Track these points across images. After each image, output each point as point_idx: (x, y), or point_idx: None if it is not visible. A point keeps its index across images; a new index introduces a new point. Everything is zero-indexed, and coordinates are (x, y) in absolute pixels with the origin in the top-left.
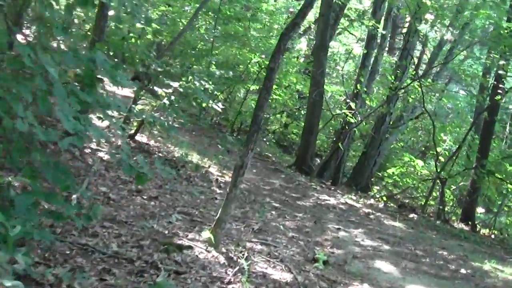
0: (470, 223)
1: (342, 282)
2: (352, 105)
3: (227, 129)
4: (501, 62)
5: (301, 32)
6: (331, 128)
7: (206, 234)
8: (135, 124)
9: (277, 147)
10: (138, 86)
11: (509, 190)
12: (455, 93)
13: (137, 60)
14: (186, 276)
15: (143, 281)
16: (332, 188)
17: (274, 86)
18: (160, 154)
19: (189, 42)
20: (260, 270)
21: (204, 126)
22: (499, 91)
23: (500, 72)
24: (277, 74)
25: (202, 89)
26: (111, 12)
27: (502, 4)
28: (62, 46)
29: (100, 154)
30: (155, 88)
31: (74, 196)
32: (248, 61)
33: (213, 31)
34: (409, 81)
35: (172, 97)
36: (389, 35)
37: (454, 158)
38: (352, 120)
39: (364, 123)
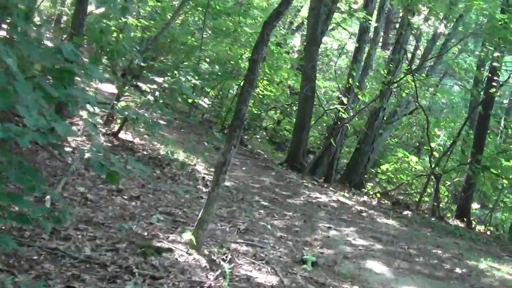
0: (465, 219)
1: (331, 285)
2: (344, 100)
3: (218, 126)
4: (496, 54)
5: (294, 28)
6: (324, 124)
7: (187, 235)
8: (119, 121)
9: (269, 144)
10: (119, 80)
11: (505, 185)
12: (450, 88)
13: (117, 55)
14: (163, 281)
15: None
16: (325, 186)
17: (266, 82)
18: (145, 152)
19: (179, 37)
20: (244, 273)
21: (193, 123)
22: (493, 83)
23: (495, 64)
24: (269, 70)
25: (189, 84)
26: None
27: None
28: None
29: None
30: (140, 84)
31: (47, 197)
32: (239, 57)
33: (201, 26)
34: (402, 75)
35: (157, 93)
36: (383, 29)
37: (449, 153)
38: (344, 116)
39: (357, 119)
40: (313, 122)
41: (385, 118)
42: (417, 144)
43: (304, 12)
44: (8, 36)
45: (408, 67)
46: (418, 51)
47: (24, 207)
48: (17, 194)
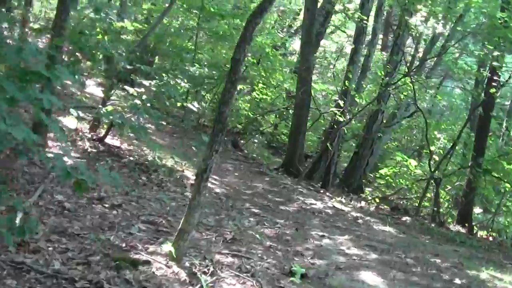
0: (466, 225)
1: None
2: (341, 103)
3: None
4: (495, 54)
5: (293, 31)
6: (323, 128)
7: (167, 247)
8: (106, 126)
9: (267, 149)
10: (108, 84)
11: (507, 189)
12: (450, 90)
13: (99, 57)
14: None
15: None
16: (321, 191)
17: (261, 85)
18: (131, 158)
19: (173, 40)
20: (226, 287)
21: (186, 128)
22: (493, 84)
23: (495, 64)
24: (264, 73)
25: (180, 88)
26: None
27: None
28: None
29: (65, 158)
30: (126, 87)
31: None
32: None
33: (188, 27)
34: (400, 77)
35: (144, 97)
36: (381, 31)
37: (449, 156)
38: (341, 119)
39: (355, 122)
40: (309, 125)
41: (384, 121)
42: (417, 147)
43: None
44: None
45: (406, 68)
46: (418, 54)
47: None
48: None
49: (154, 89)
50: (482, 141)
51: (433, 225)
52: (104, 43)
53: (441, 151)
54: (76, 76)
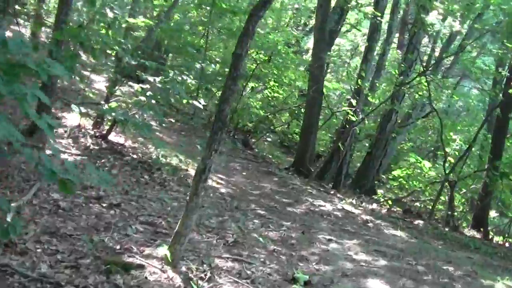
0: (482, 230)
1: None
2: (353, 102)
3: None
4: None
5: (308, 30)
6: (336, 127)
7: (163, 250)
8: (109, 123)
9: (279, 148)
10: (113, 79)
11: None
12: (468, 91)
13: (98, 51)
14: None
15: None
16: (332, 192)
17: (273, 83)
18: (135, 156)
19: (184, 37)
20: None
21: (196, 126)
22: None
23: None
24: (277, 71)
25: (188, 85)
26: None
27: None
28: None
29: (64, 156)
30: (131, 83)
31: (12, 204)
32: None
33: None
34: (415, 76)
35: (148, 93)
36: (396, 30)
37: (465, 158)
38: (353, 118)
39: (368, 121)
40: (321, 124)
41: (399, 121)
42: (432, 148)
43: None
44: None
45: (422, 67)
46: (435, 53)
47: None
48: None
49: (159, 85)
50: (500, 143)
51: (446, 229)
52: (105, 37)
53: (456, 152)
54: (76, 72)
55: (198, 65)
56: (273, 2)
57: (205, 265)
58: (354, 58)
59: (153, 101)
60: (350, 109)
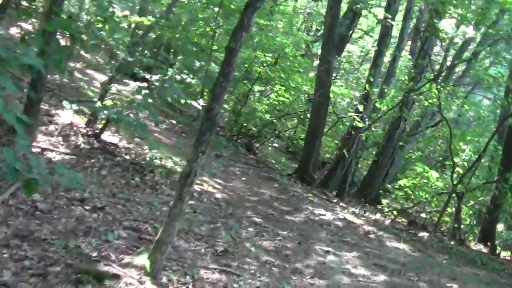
0: (489, 244)
1: None
2: (360, 108)
3: (226, 132)
4: None
5: (319, 35)
6: (343, 134)
7: (142, 259)
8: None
9: (285, 153)
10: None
11: None
12: (479, 101)
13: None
14: None
15: None
16: (334, 201)
17: (279, 87)
18: (127, 157)
19: (188, 37)
20: None
21: (197, 128)
22: None
23: None
24: (284, 74)
25: (187, 83)
26: None
27: None
28: None
29: (51, 154)
30: (128, 81)
31: None
32: (253, 59)
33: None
34: (425, 82)
35: (144, 91)
36: (409, 37)
37: (473, 169)
38: (360, 125)
39: (376, 129)
40: (326, 130)
41: (408, 130)
42: (440, 158)
43: None
44: None
45: (433, 74)
46: (447, 62)
47: None
48: None
49: (156, 83)
50: (511, 154)
51: (452, 242)
52: (96, 30)
53: (465, 163)
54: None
55: (198, 64)
56: None
57: (188, 277)
58: (364, 64)
59: (150, 100)
60: (356, 115)
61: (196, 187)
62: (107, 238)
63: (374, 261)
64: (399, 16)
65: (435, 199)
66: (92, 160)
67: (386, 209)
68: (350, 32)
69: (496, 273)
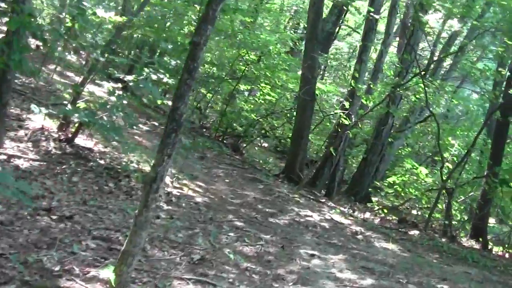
0: (481, 239)
1: None
2: (346, 104)
3: (212, 132)
4: None
5: (306, 32)
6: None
7: (107, 272)
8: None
9: (275, 153)
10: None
11: None
12: (468, 96)
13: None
14: None
15: None
16: (323, 200)
17: (263, 85)
18: (102, 161)
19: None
20: None
21: (184, 130)
22: None
23: None
24: (269, 72)
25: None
26: None
27: None
28: None
29: (18, 161)
30: (102, 82)
31: None
32: (235, 58)
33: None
34: (412, 78)
35: (117, 92)
36: (395, 33)
37: (463, 164)
38: (346, 122)
39: (366, 126)
40: (312, 128)
41: (397, 126)
42: (430, 154)
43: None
44: None
45: (418, 68)
46: (435, 57)
47: None
48: None
49: (131, 84)
50: (499, 148)
51: (443, 240)
52: (58, 28)
53: (455, 158)
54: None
55: (173, 63)
56: None
57: None
58: (351, 61)
59: (125, 102)
60: (343, 112)
61: (175, 192)
62: (73, 250)
63: (361, 264)
64: (386, 12)
65: (425, 196)
66: (63, 166)
67: (376, 207)
68: (337, 29)
69: (487, 271)
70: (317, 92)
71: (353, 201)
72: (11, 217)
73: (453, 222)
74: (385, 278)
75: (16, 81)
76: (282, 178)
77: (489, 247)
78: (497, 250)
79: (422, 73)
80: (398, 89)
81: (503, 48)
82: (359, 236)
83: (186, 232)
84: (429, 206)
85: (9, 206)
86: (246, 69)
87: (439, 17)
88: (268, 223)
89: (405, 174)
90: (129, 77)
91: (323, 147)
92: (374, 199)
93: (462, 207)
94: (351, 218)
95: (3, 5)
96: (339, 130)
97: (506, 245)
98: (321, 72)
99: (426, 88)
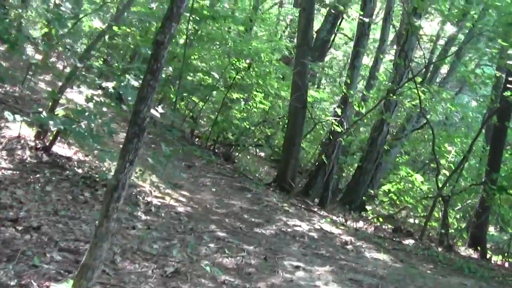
0: (479, 248)
1: None
2: (339, 111)
3: (203, 141)
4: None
5: None
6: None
7: (65, 287)
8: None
9: (269, 162)
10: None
11: None
12: (467, 103)
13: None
14: None
15: None
16: (315, 209)
17: (255, 93)
18: (79, 170)
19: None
20: None
21: (173, 139)
22: (509, 85)
23: (510, 62)
24: (261, 80)
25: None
26: None
27: None
28: None
29: None
30: (80, 89)
31: None
32: (226, 66)
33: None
34: (405, 84)
35: (96, 99)
36: (390, 40)
37: (459, 171)
38: (339, 129)
39: (358, 133)
40: (304, 136)
41: (394, 133)
42: (427, 161)
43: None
44: None
45: (411, 74)
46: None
47: None
48: None
49: (111, 90)
50: (497, 154)
51: (440, 249)
52: (26, 30)
53: (451, 165)
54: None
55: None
56: None
57: None
58: (347, 68)
59: (104, 109)
60: (335, 119)
61: (155, 201)
62: (34, 263)
63: (349, 276)
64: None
65: (420, 204)
66: (37, 175)
67: (371, 216)
68: (332, 37)
69: (485, 282)
70: (309, 99)
71: (347, 210)
72: None
73: (450, 231)
74: None
75: None
76: (273, 187)
77: (488, 256)
78: (496, 259)
79: (415, 78)
80: (392, 95)
81: (497, 50)
82: (349, 246)
83: (162, 243)
84: (425, 214)
85: None
86: (237, 76)
87: (435, 23)
88: (252, 233)
89: (400, 181)
90: (109, 84)
91: (316, 155)
92: (369, 207)
93: (459, 215)
94: (343, 227)
95: None
96: (332, 137)
97: (506, 254)
98: (317, 81)
99: (422, 95)
